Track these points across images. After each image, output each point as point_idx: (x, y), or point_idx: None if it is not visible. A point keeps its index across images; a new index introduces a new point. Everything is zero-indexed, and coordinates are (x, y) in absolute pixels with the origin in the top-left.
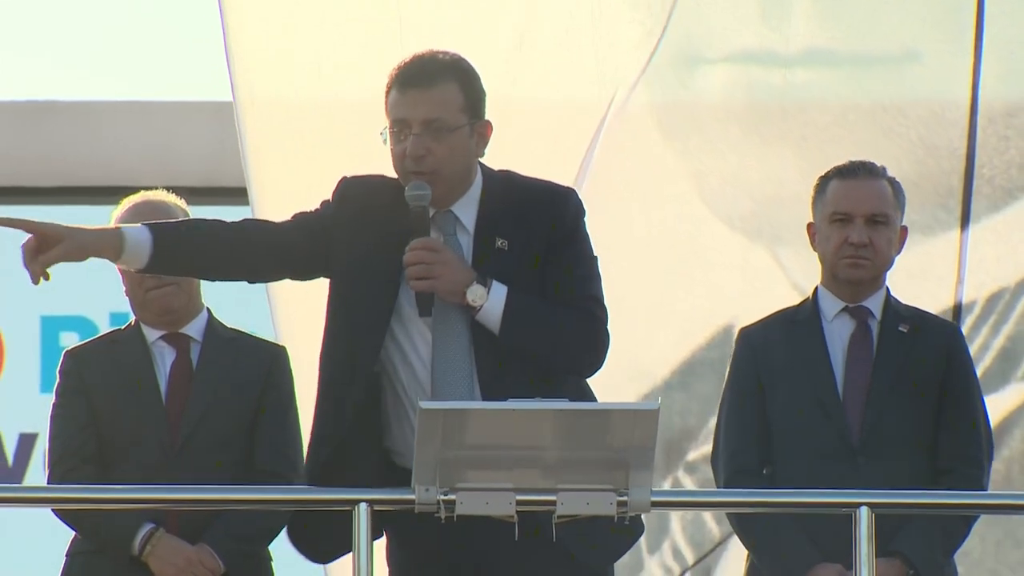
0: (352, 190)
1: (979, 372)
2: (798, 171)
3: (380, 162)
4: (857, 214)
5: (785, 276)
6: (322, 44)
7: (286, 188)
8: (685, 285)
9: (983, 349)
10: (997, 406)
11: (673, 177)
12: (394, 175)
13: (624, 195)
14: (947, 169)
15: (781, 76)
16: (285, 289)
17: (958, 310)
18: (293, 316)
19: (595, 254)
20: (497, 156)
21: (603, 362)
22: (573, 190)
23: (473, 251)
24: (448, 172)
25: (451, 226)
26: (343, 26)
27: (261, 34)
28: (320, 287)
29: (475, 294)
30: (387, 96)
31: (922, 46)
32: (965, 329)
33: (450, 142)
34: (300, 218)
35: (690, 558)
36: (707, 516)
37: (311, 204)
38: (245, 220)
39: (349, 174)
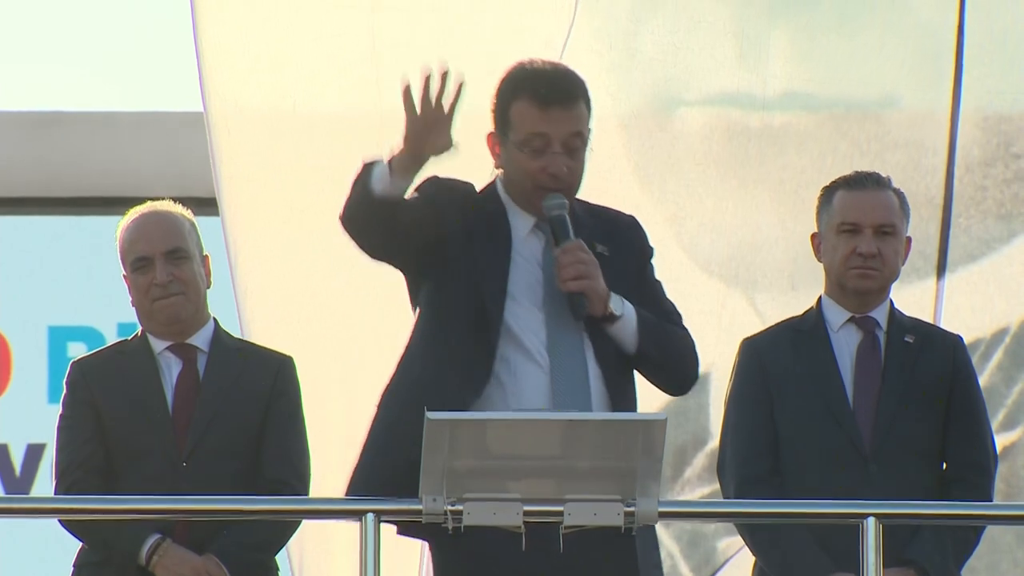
0: (447, 184)
1: None
2: (775, 215)
3: (352, 173)
4: (866, 224)
5: (761, 322)
6: (294, 57)
7: (257, 200)
8: None
9: None
10: None
11: (650, 222)
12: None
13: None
14: (925, 217)
15: (759, 119)
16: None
17: None
18: (263, 320)
19: None
20: (483, 167)
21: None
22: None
23: None
24: (576, 189)
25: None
26: (316, 39)
27: (233, 46)
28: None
29: (616, 304)
30: (508, 106)
31: (901, 91)
32: None
33: (583, 159)
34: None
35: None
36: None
37: (282, 216)
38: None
39: (440, 175)
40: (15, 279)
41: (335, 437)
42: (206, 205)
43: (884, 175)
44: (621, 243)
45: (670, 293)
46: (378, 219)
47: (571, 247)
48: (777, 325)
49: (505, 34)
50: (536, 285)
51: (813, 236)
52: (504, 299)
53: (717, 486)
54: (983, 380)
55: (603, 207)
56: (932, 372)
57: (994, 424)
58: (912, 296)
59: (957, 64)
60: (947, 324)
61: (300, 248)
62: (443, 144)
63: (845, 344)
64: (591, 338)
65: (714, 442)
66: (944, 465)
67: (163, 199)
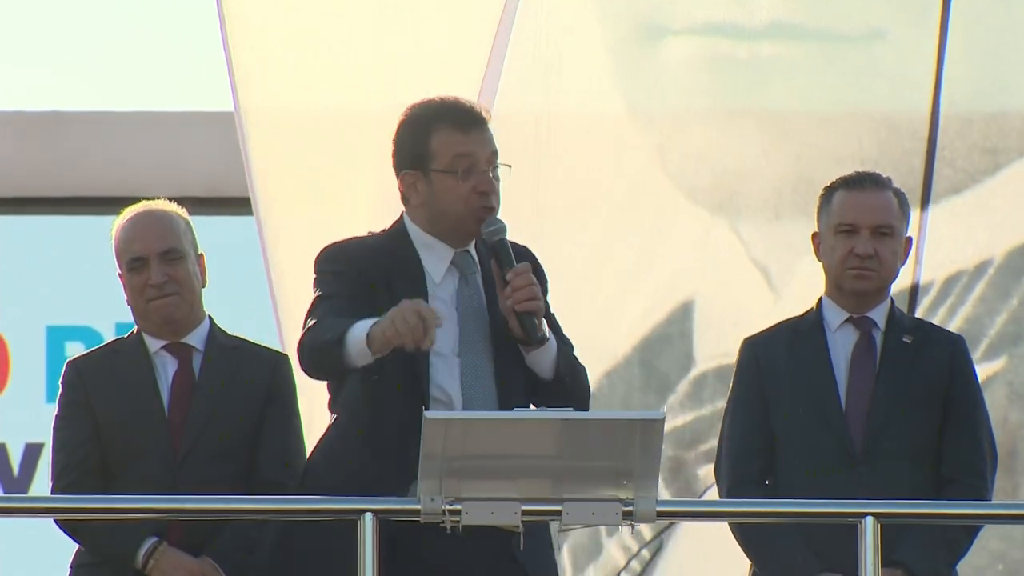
0: (346, 253)
1: None
2: (760, 146)
3: (381, 170)
4: (863, 225)
5: (745, 251)
6: (325, 55)
7: (291, 199)
8: (647, 260)
9: None
10: None
11: (636, 150)
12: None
13: (586, 169)
14: (909, 149)
15: (746, 49)
16: (289, 296)
17: (915, 290)
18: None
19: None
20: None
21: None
22: None
23: (486, 289)
24: (498, 210)
25: (471, 265)
26: (346, 37)
27: (262, 45)
28: None
29: (544, 327)
30: (435, 131)
31: (887, 24)
32: (921, 310)
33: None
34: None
35: (647, 534)
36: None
37: (317, 214)
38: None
39: (326, 247)
40: (13, 279)
41: None
42: (203, 204)
43: (884, 176)
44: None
45: (655, 221)
46: (339, 374)
47: (522, 270)
48: (777, 325)
49: (536, 24)
50: (453, 329)
51: (814, 236)
52: (428, 357)
53: (702, 412)
54: (965, 311)
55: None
56: (929, 373)
57: (976, 356)
58: None
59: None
60: (930, 255)
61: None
62: (429, 343)
63: (841, 345)
64: (499, 380)
65: (697, 369)
66: (940, 466)
67: (159, 198)
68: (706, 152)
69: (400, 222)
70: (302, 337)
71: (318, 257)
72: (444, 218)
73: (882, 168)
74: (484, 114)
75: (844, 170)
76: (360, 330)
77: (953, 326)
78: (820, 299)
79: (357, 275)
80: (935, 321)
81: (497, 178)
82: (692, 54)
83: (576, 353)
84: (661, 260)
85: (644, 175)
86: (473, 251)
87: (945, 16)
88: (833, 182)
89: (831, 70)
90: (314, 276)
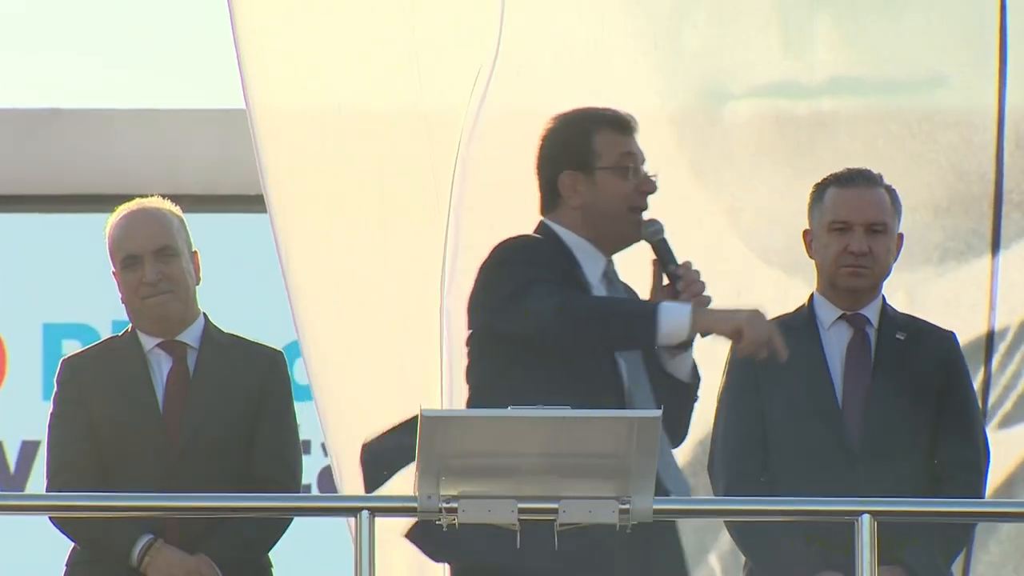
0: (528, 249)
1: (1011, 399)
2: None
3: (392, 169)
4: (857, 223)
5: None
6: (334, 52)
7: (304, 197)
8: None
9: (1016, 376)
10: None
11: (706, 216)
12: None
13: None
14: (977, 194)
15: (808, 106)
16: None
17: (991, 337)
18: (312, 316)
19: None
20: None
21: None
22: None
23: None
24: None
25: (617, 279)
26: (357, 33)
27: (273, 43)
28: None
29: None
30: (598, 132)
31: (947, 69)
32: (998, 356)
33: None
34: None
35: None
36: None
37: (329, 212)
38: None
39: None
40: (10, 276)
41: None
42: (199, 202)
43: (875, 172)
44: None
45: (732, 285)
46: (619, 346)
47: (688, 263)
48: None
49: (541, 33)
50: None
51: (805, 233)
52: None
53: None
54: None
55: None
56: (923, 369)
57: None
58: (968, 274)
59: (1001, 39)
60: (1003, 301)
61: (346, 244)
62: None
63: (835, 342)
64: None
65: None
66: (935, 463)
67: (154, 196)
68: (777, 212)
69: (544, 227)
70: (565, 301)
71: (499, 248)
72: (603, 219)
73: (953, 215)
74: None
75: (917, 220)
76: (673, 309)
77: None
78: (811, 296)
79: (546, 269)
80: (1012, 367)
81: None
82: (755, 115)
83: None
84: None
85: (716, 240)
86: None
87: (1003, 55)
88: (824, 179)
89: (895, 120)
90: (495, 264)
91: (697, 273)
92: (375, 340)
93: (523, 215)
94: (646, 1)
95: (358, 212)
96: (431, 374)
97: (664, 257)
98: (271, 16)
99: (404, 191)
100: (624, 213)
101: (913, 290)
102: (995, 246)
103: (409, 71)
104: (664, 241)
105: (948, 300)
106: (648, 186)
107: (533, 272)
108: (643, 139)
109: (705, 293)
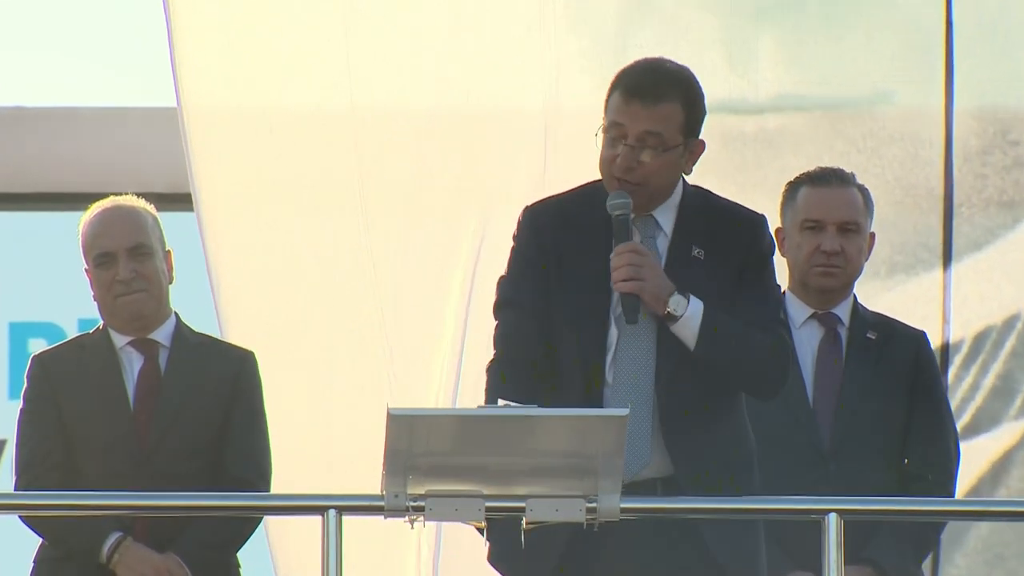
0: (541, 218)
1: (970, 411)
2: (775, 218)
3: (325, 169)
4: (829, 222)
5: None
6: (266, 51)
7: (231, 196)
8: None
9: (973, 388)
10: (991, 445)
11: None
12: (563, 188)
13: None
14: (926, 208)
15: (753, 123)
16: (230, 290)
17: (945, 349)
18: (238, 317)
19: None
20: (456, 163)
21: (785, 383)
22: (765, 217)
23: (668, 255)
24: (654, 186)
25: (651, 230)
26: (288, 33)
27: (206, 41)
28: (264, 287)
29: (677, 303)
30: (610, 95)
31: (893, 86)
32: (954, 368)
33: (663, 159)
34: (519, 294)
35: None
36: None
37: (256, 213)
38: (511, 350)
39: (529, 204)
40: None
41: (307, 433)
42: (170, 200)
43: (848, 171)
44: (727, 242)
45: None
46: None
47: (622, 249)
48: None
49: (477, 33)
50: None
51: (777, 231)
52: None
53: None
54: (997, 367)
55: (729, 203)
56: (894, 369)
57: (1011, 412)
58: (920, 288)
59: (948, 56)
60: (957, 314)
61: (274, 244)
62: None
63: (807, 341)
64: (657, 346)
65: None
66: (905, 462)
67: (126, 194)
68: None
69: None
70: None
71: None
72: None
73: (901, 230)
74: (664, 87)
75: None
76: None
77: (987, 383)
78: (783, 295)
79: (539, 248)
80: (968, 379)
81: (654, 157)
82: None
83: None
84: None
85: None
86: (668, 216)
87: (949, 72)
88: (797, 177)
89: (840, 137)
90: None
91: (623, 260)
92: (302, 344)
93: None
94: (592, 20)
95: (283, 211)
96: (361, 373)
97: (617, 235)
98: (203, 15)
99: (329, 191)
100: (604, 177)
101: (862, 303)
102: (947, 259)
103: (339, 71)
104: (622, 219)
105: (899, 313)
106: (624, 159)
107: (510, 289)
108: (591, 156)
109: (626, 282)
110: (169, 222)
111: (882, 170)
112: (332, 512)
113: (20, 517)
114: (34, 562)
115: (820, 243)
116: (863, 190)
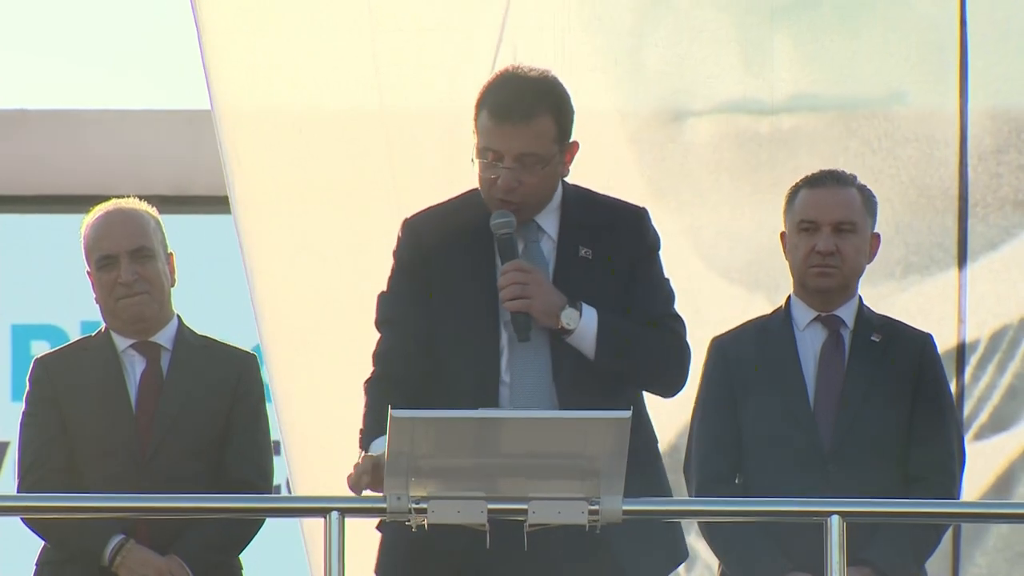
0: (421, 227)
1: (987, 411)
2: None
3: (357, 171)
4: (823, 222)
5: None
6: (298, 53)
7: (267, 198)
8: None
9: (990, 388)
10: (1009, 444)
11: (667, 235)
12: (446, 195)
13: None
14: (940, 209)
15: (767, 124)
16: (267, 289)
17: (961, 349)
18: (275, 317)
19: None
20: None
21: (687, 380)
22: (647, 210)
23: (556, 258)
24: (536, 200)
25: (534, 234)
26: (318, 35)
27: (237, 44)
28: (301, 287)
29: (569, 317)
30: (477, 115)
31: (907, 86)
32: (970, 368)
33: (542, 174)
34: (400, 311)
35: None
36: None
37: (292, 214)
38: (390, 368)
39: (408, 217)
40: None
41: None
42: (171, 203)
43: (848, 173)
44: (613, 240)
45: (693, 303)
46: None
47: (508, 268)
48: (745, 324)
49: (499, 37)
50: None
51: (782, 235)
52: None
53: None
54: (1014, 367)
55: (610, 199)
56: (898, 371)
57: None
58: (935, 288)
59: (962, 56)
60: (973, 313)
61: (310, 244)
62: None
63: (810, 343)
64: (552, 350)
65: None
66: (908, 465)
67: (128, 197)
68: (737, 230)
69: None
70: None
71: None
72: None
73: (916, 231)
74: (534, 104)
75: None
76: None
77: (1004, 382)
78: (788, 298)
79: (420, 260)
80: (985, 379)
81: (534, 173)
82: (715, 133)
83: None
84: (702, 344)
85: (677, 259)
86: (551, 219)
87: (964, 72)
88: (797, 182)
89: (854, 137)
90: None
91: (508, 279)
92: (338, 345)
93: None
94: (607, 18)
95: (320, 213)
96: None
97: (502, 254)
98: (234, 18)
99: (363, 192)
100: (486, 198)
101: (875, 304)
102: (962, 259)
103: (367, 72)
104: (506, 238)
105: (914, 313)
106: (505, 181)
107: (389, 307)
108: (603, 156)
109: (513, 301)
110: (171, 224)
111: (897, 170)
112: (335, 514)
113: (22, 519)
114: (36, 564)
115: (815, 244)
116: (863, 190)
